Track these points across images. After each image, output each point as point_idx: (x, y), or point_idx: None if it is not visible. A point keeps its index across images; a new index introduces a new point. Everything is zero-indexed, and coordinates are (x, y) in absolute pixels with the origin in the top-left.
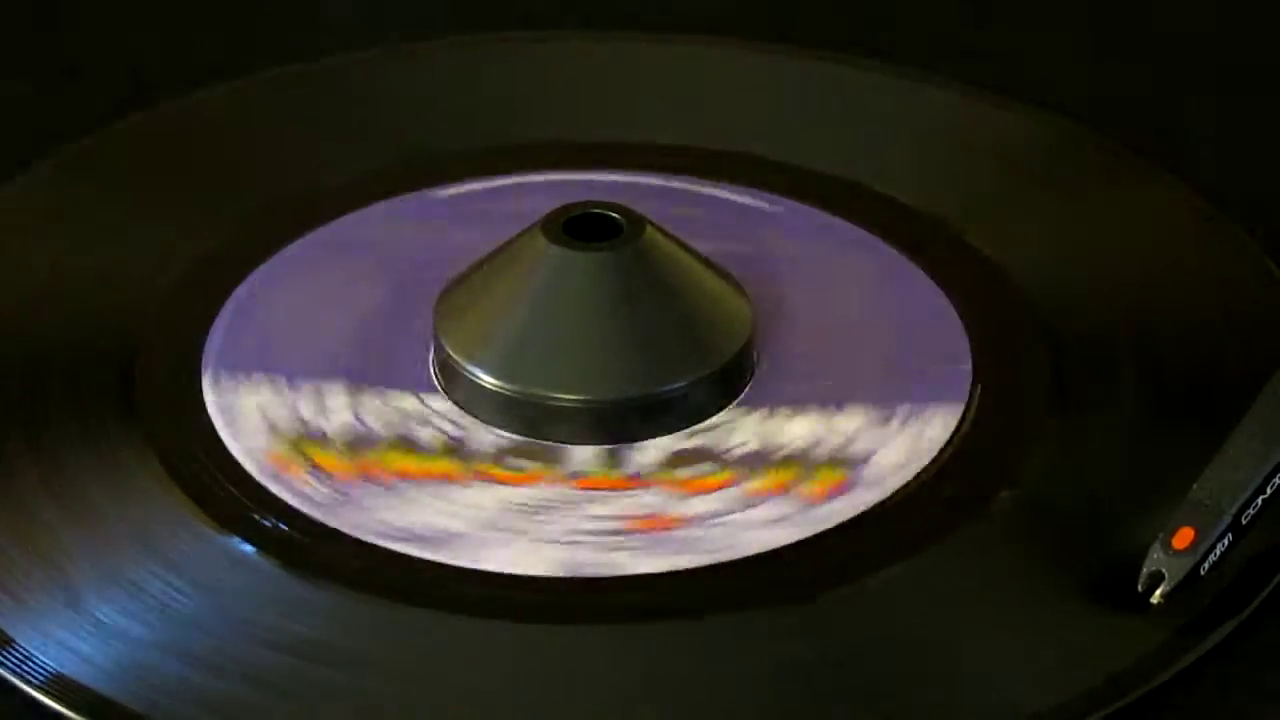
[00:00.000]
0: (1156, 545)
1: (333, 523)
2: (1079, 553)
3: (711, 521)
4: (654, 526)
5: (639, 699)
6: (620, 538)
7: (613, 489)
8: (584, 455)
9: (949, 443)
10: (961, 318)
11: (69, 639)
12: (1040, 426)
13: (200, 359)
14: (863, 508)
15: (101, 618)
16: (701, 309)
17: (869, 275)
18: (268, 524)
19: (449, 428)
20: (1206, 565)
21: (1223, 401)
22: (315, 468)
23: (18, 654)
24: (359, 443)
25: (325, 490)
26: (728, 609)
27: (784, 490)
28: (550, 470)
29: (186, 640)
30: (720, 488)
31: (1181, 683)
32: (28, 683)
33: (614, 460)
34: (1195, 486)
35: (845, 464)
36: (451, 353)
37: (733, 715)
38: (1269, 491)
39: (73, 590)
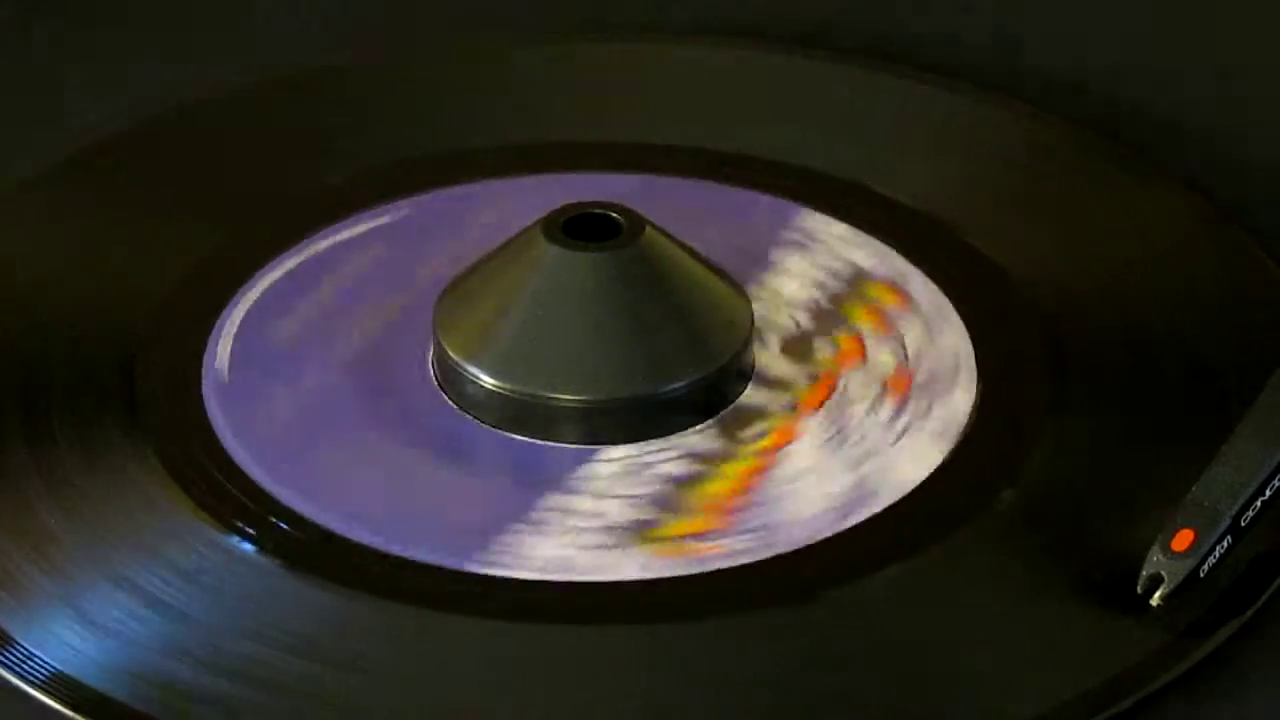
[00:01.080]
0: (1156, 547)
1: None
2: (1079, 553)
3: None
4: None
5: (639, 699)
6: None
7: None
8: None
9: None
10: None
11: (69, 638)
12: (1040, 426)
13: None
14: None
15: (101, 617)
16: (701, 309)
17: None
18: (268, 524)
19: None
20: (1206, 567)
21: (1222, 402)
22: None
23: (18, 653)
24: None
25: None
26: (727, 610)
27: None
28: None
29: (186, 640)
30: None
31: (1182, 685)
32: (28, 682)
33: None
34: (1194, 488)
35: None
36: (451, 353)
37: (733, 715)
38: (1268, 494)
39: (73, 590)
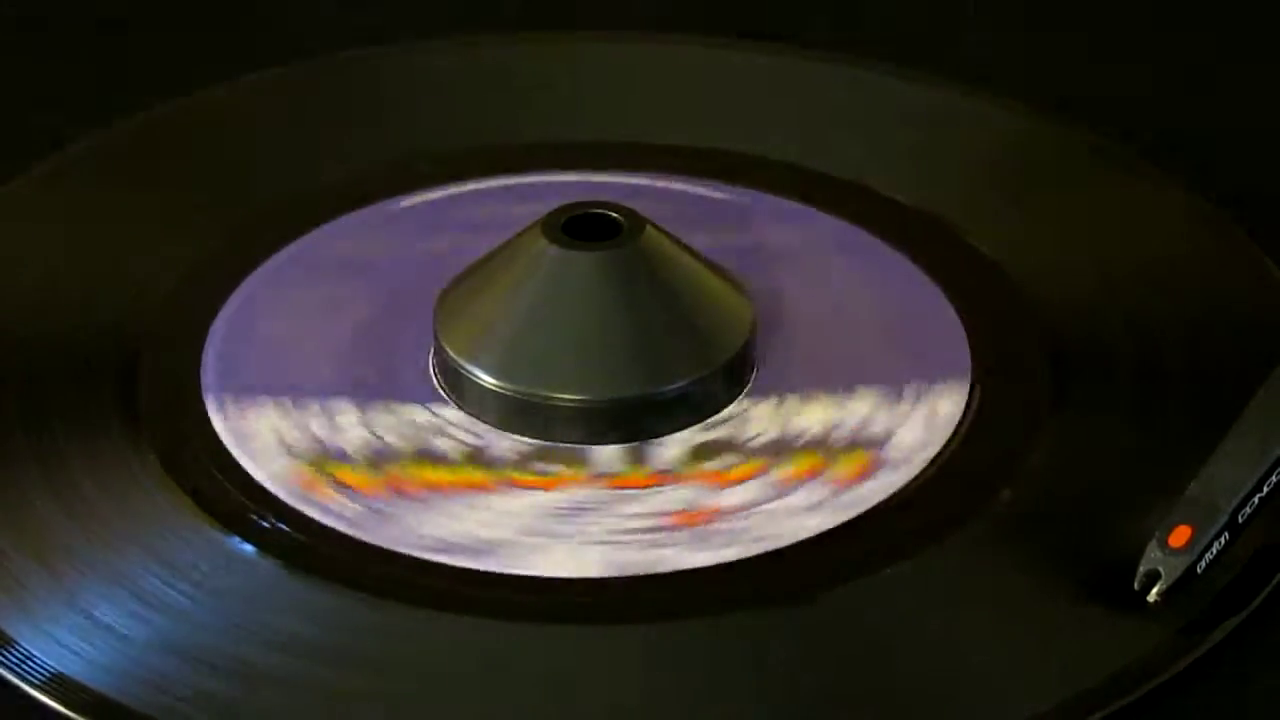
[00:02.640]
0: (1153, 544)
1: (332, 523)
2: (1079, 552)
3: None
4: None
5: (639, 699)
6: (619, 536)
7: (618, 486)
8: (584, 455)
9: (949, 442)
10: (961, 318)
11: (69, 639)
12: (1040, 426)
13: (200, 359)
14: (861, 508)
15: (101, 618)
16: (701, 309)
17: (869, 275)
18: (268, 524)
19: (461, 435)
20: (1203, 564)
21: (1222, 401)
22: (315, 467)
23: (18, 654)
24: (360, 442)
25: (324, 491)
26: (726, 610)
27: (782, 489)
28: (554, 470)
29: (186, 640)
30: (748, 478)
31: (1182, 683)
32: (28, 682)
33: (620, 459)
34: (1192, 485)
35: (844, 464)
36: (452, 353)
37: (733, 715)
38: (1266, 490)
39: (73, 590)
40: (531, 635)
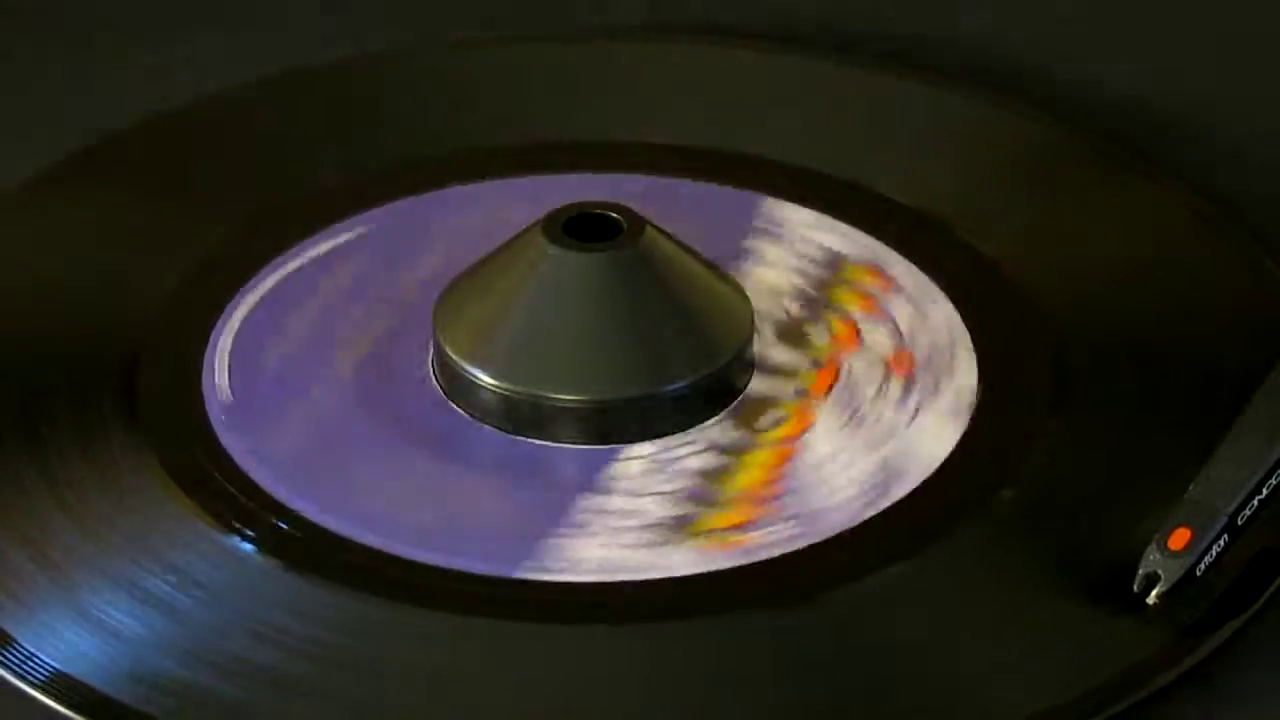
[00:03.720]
0: (1153, 546)
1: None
2: (1080, 553)
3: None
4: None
5: (639, 699)
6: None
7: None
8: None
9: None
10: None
11: (69, 638)
12: (1040, 426)
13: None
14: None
15: (101, 618)
16: (701, 309)
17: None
18: (268, 524)
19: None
20: (1203, 566)
21: (1222, 402)
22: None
23: (19, 653)
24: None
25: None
26: (726, 610)
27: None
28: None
29: (186, 640)
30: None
31: (1182, 685)
32: (29, 682)
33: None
34: (1192, 487)
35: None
36: (451, 353)
37: (734, 715)
38: (1265, 492)
39: (73, 590)
40: (532, 635)
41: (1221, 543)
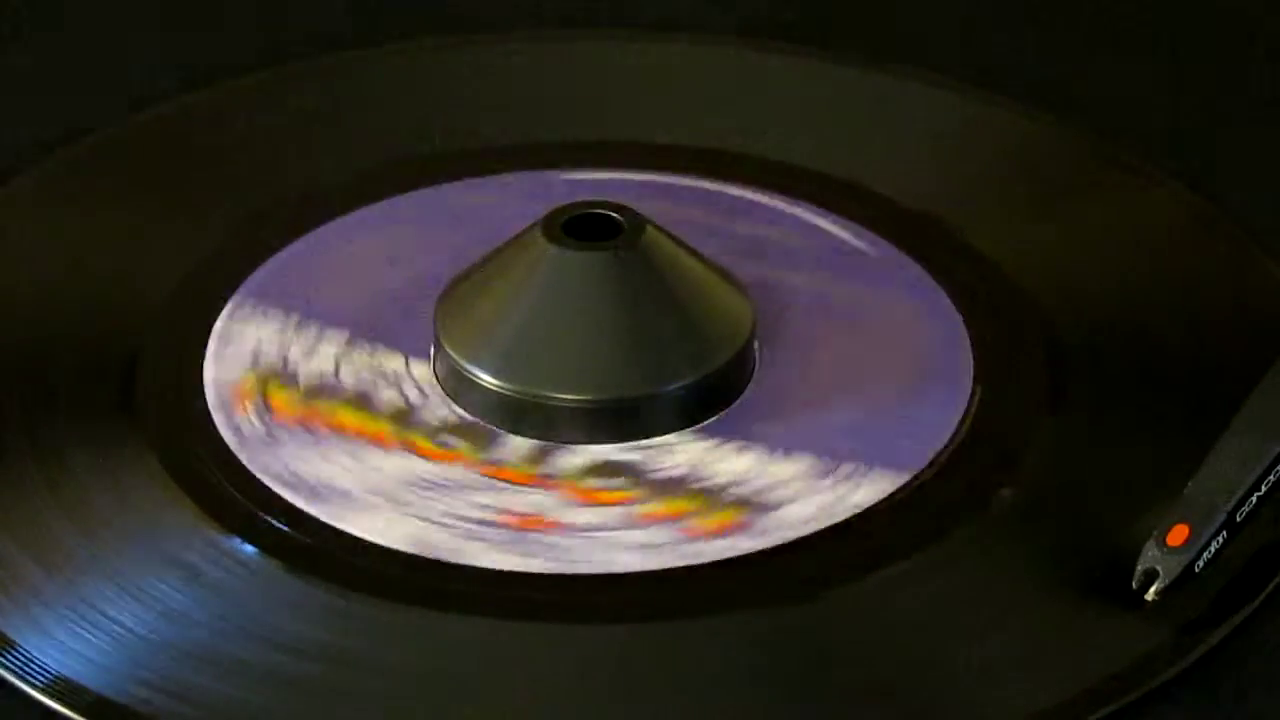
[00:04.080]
0: (1151, 542)
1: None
2: (1079, 552)
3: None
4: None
5: (639, 698)
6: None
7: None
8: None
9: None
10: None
11: (70, 640)
12: (1040, 426)
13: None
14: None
15: (102, 618)
16: (701, 309)
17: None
18: (269, 524)
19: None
20: (1201, 562)
21: (1221, 401)
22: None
23: (20, 656)
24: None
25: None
26: (725, 608)
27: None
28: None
29: (186, 640)
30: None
31: (1182, 682)
32: (30, 684)
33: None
34: (1190, 484)
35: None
36: (452, 353)
37: (734, 715)
38: (1264, 489)
39: (73, 591)
40: (532, 634)
41: (1220, 539)
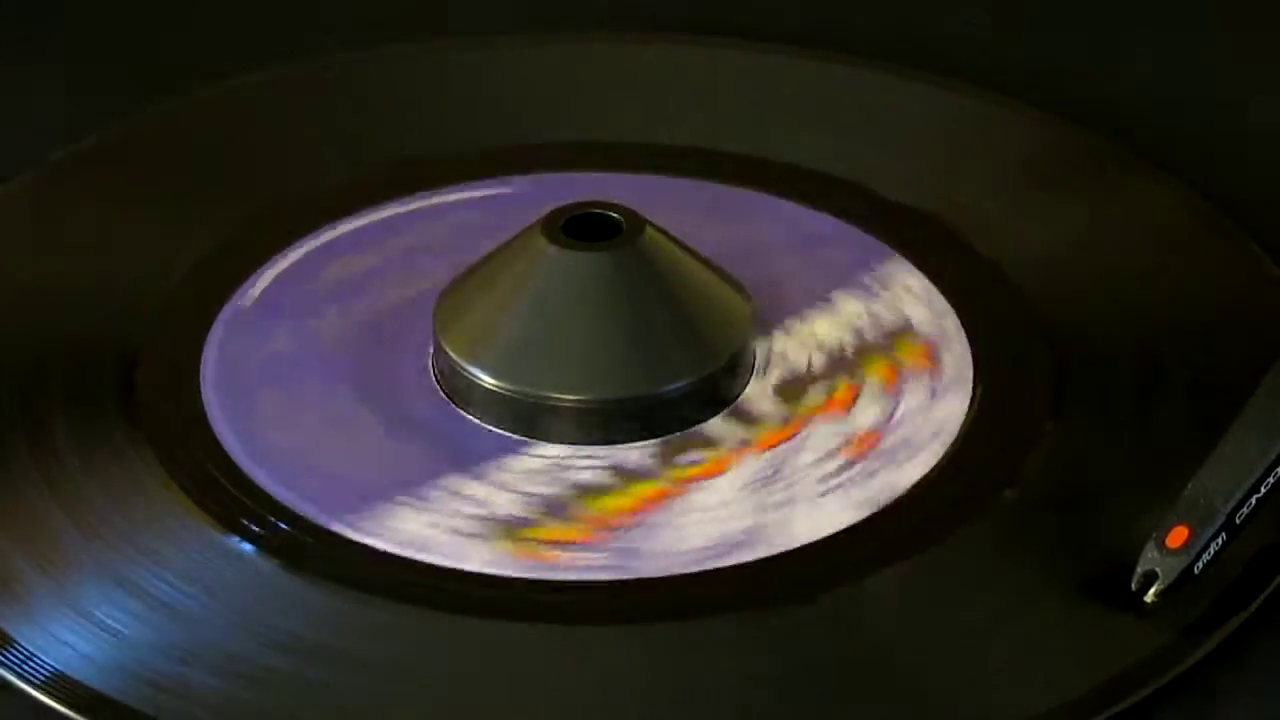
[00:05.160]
0: (1150, 544)
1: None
2: (1080, 553)
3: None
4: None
5: (638, 699)
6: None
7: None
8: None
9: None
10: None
11: (69, 639)
12: (1040, 426)
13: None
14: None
15: (101, 618)
16: (701, 309)
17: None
18: (268, 524)
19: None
20: (1200, 564)
21: (1221, 402)
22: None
23: (19, 654)
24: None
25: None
26: (725, 610)
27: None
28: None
29: (186, 640)
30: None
31: (1182, 684)
32: (29, 682)
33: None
34: (1190, 485)
35: (844, 464)
36: (452, 353)
37: (733, 715)
38: (1263, 490)
39: (73, 590)
40: (532, 635)
41: (1220, 541)
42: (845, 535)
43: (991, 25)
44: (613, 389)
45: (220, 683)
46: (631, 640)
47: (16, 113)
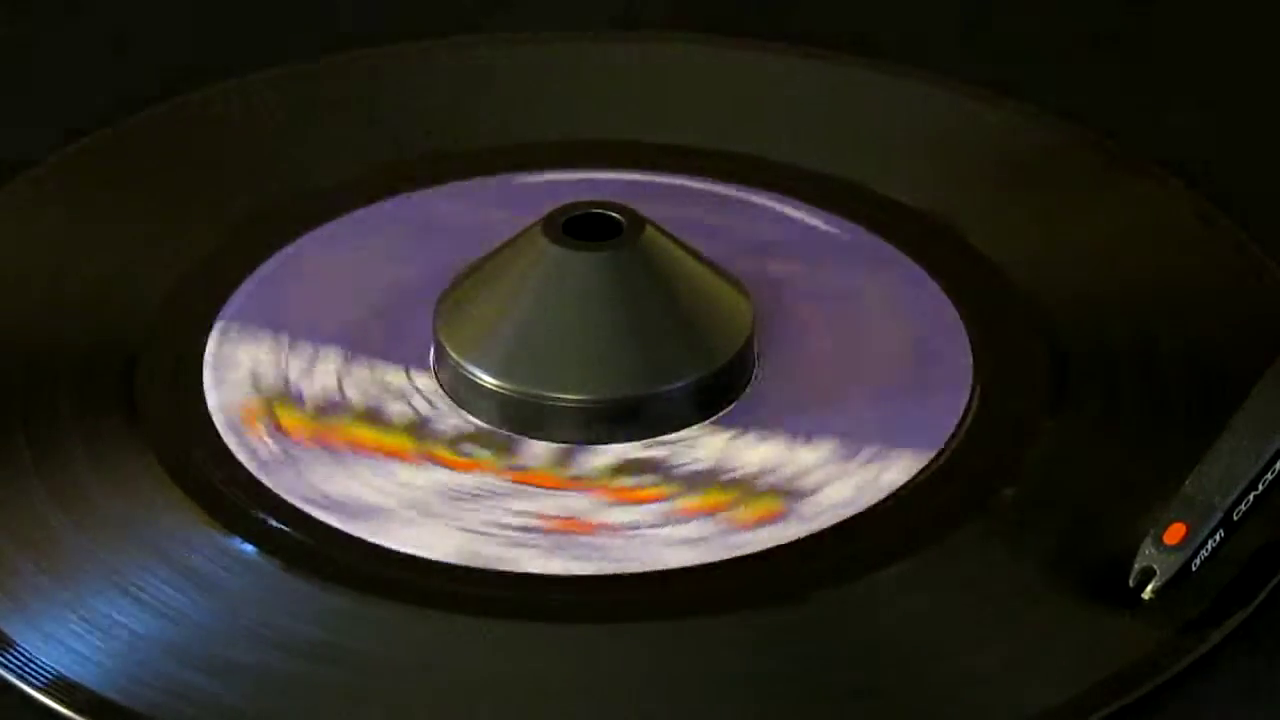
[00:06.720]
0: (1148, 541)
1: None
2: (1079, 552)
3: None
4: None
5: (636, 699)
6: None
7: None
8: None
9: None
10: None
11: (70, 640)
12: (1040, 426)
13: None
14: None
15: (102, 618)
16: (701, 309)
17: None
18: (269, 524)
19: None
20: (1198, 561)
21: (1220, 401)
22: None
23: (19, 655)
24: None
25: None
26: (725, 609)
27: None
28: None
29: (186, 640)
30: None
31: (1182, 682)
32: (29, 684)
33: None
34: (1187, 482)
35: (844, 464)
36: (452, 353)
37: (732, 715)
38: (1261, 487)
39: (73, 591)
40: (532, 635)
41: (1217, 538)
42: (844, 533)
43: (992, 25)
44: (613, 389)
45: (221, 684)
46: (629, 639)
47: (17, 112)
